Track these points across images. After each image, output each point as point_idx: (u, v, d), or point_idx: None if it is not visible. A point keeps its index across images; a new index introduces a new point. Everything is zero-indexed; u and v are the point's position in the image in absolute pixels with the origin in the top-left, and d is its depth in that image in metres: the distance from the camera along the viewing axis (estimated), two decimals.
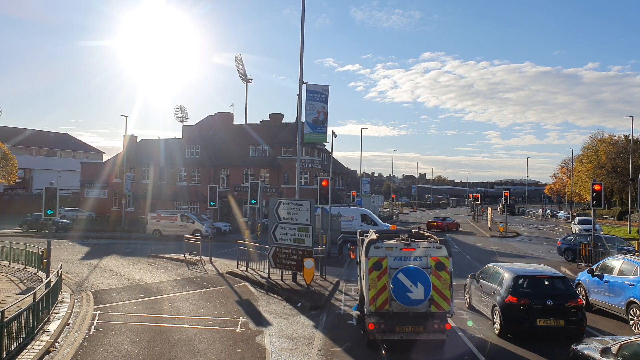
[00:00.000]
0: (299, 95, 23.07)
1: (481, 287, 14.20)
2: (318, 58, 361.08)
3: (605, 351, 8.06)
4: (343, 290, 18.33)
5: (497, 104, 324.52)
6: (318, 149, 50.31)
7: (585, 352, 8.57)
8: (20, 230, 40.19)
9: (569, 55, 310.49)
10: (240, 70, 65.81)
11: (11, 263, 23.22)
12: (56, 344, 11.52)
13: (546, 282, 12.75)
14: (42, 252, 19.18)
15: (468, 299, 15.55)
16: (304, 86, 22.90)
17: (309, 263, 17.38)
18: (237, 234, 36.58)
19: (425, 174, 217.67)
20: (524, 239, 44.17)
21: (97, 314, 14.47)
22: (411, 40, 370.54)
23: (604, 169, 68.98)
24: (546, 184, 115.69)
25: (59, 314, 14.15)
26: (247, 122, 60.19)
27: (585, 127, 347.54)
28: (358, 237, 13.95)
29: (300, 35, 22.56)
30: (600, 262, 16.14)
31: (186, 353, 10.98)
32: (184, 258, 25.88)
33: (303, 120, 23.23)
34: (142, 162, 53.34)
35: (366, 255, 10.81)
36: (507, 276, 12.87)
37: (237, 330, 12.85)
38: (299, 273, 18.36)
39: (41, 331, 12.25)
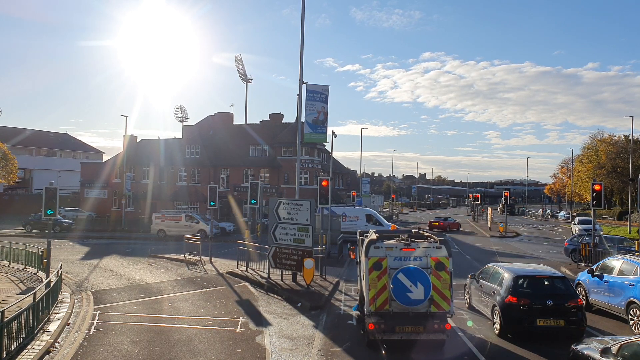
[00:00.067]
0: (299, 95, 23.08)
1: (481, 287, 14.20)
2: (318, 58, 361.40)
3: (605, 351, 8.05)
4: (343, 290, 18.33)
5: (497, 104, 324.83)
6: (318, 149, 50.32)
7: (585, 352, 8.57)
8: (24, 231, 40.16)
9: (569, 55, 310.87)
10: (240, 70, 65.81)
11: (11, 263, 23.22)
12: (56, 344, 11.52)
13: (546, 282, 12.75)
14: (42, 252, 19.18)
15: (468, 299, 15.55)
16: (304, 86, 22.91)
17: (308, 263, 17.38)
18: (237, 234, 36.62)
19: (425, 174, 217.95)
20: (523, 239, 44.18)
21: (97, 314, 14.47)
22: (411, 40, 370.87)
23: (604, 169, 68.98)
24: (546, 184, 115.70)
25: (59, 314, 14.15)
26: (247, 122, 60.20)
27: (585, 127, 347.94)
28: (358, 237, 13.95)
29: (300, 35, 22.58)
30: (600, 262, 16.14)
31: (186, 353, 10.98)
32: (184, 258, 25.88)
33: (303, 120, 23.22)
34: (142, 162, 53.35)
35: (366, 255, 10.82)
36: (507, 276, 12.87)
37: (237, 330, 12.86)
38: (299, 273, 18.36)
39: (41, 331, 12.25)
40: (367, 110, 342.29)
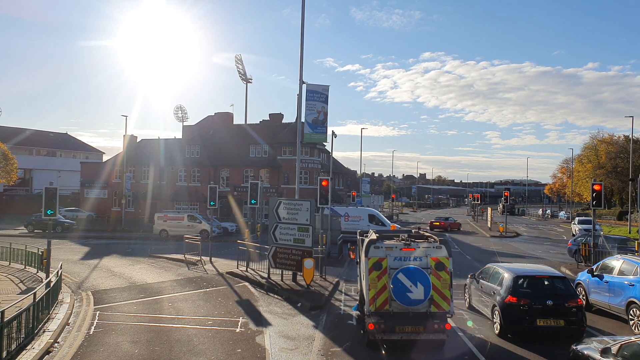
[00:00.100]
0: (299, 95, 23.08)
1: (481, 287, 14.19)
2: (318, 58, 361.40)
3: (605, 351, 8.05)
4: (343, 290, 18.33)
5: (497, 104, 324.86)
6: (318, 149, 50.32)
7: (585, 352, 8.57)
8: (26, 231, 40.03)
9: (569, 55, 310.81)
10: (240, 70, 65.83)
11: (11, 263, 23.22)
12: (56, 344, 11.52)
13: (546, 282, 12.75)
14: (42, 252, 19.19)
15: (468, 299, 15.55)
16: (304, 86, 22.91)
17: (308, 263, 17.38)
18: (238, 234, 36.62)
19: (425, 174, 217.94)
20: (523, 239, 44.19)
21: (97, 314, 14.47)
22: (411, 40, 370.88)
23: (604, 169, 68.99)
24: (546, 184, 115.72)
25: (59, 314, 14.15)
26: (247, 122, 60.21)
27: (585, 127, 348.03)
28: (358, 237, 13.94)
29: (300, 35, 22.58)
30: (600, 262, 16.14)
31: (186, 353, 10.98)
32: (184, 258, 25.89)
33: (303, 120, 23.22)
34: (142, 162, 53.35)
35: (366, 255, 10.81)
36: (507, 276, 12.87)
37: (237, 330, 12.86)
38: (299, 273, 18.35)
39: (41, 331, 12.25)
40: (367, 110, 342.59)
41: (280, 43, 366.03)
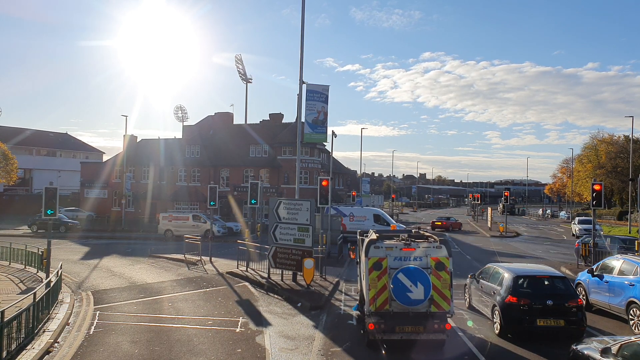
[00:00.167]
0: (299, 95, 23.07)
1: (481, 287, 14.19)
2: (318, 58, 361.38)
3: (605, 351, 8.05)
4: (343, 290, 18.32)
5: (497, 104, 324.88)
6: (318, 149, 50.31)
7: (585, 352, 8.57)
8: (30, 231, 39.82)
9: (569, 55, 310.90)
10: (240, 70, 65.81)
11: (11, 263, 23.21)
12: (56, 344, 11.52)
13: (546, 282, 12.75)
14: (42, 252, 19.18)
15: (468, 299, 15.54)
16: (304, 86, 22.90)
17: (309, 263, 17.37)
18: (237, 234, 36.61)
19: (425, 174, 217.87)
20: (524, 239, 44.19)
21: (97, 314, 14.47)
22: (411, 40, 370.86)
23: (604, 169, 68.99)
24: (546, 184, 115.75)
25: (59, 314, 14.15)
26: (247, 122, 60.17)
27: (585, 127, 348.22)
28: (358, 237, 13.94)
29: (300, 35, 22.56)
30: (600, 262, 16.14)
31: (186, 353, 10.98)
32: (184, 258, 25.88)
33: (303, 120, 23.22)
34: (142, 162, 53.35)
35: (366, 255, 10.81)
36: (507, 276, 12.86)
37: (237, 330, 12.85)
38: (299, 273, 18.35)
39: (41, 331, 12.24)
40: (367, 110, 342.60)
41: (280, 43, 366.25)
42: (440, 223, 51.35)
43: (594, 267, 16.04)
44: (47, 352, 10.94)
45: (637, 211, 47.30)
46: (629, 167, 54.53)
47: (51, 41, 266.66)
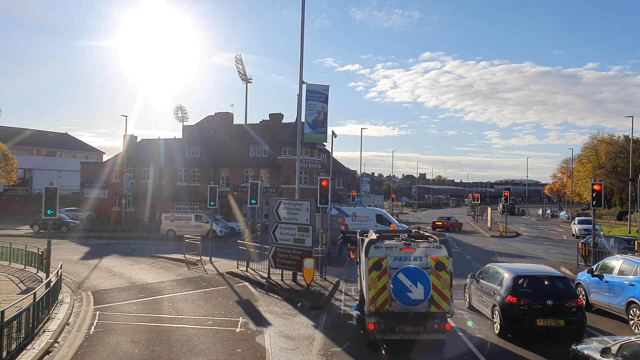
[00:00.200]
0: (299, 95, 23.08)
1: (481, 287, 14.19)
2: (318, 58, 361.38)
3: (605, 351, 8.05)
4: (343, 290, 18.33)
5: (497, 104, 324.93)
6: (318, 149, 50.32)
7: (585, 352, 8.57)
8: (32, 231, 39.73)
9: (569, 55, 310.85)
10: (240, 70, 65.81)
11: (11, 263, 23.21)
12: (56, 344, 11.52)
13: (546, 282, 12.75)
14: (42, 252, 19.18)
15: (468, 299, 15.54)
16: (304, 86, 22.91)
17: (309, 263, 17.38)
18: (239, 234, 36.61)
19: (425, 174, 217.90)
20: (523, 239, 44.19)
21: (97, 314, 14.47)
22: (411, 40, 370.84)
23: (604, 169, 68.99)
24: (546, 184, 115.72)
25: (59, 314, 14.15)
26: (247, 122, 60.19)
27: (585, 127, 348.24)
28: (358, 237, 13.94)
29: (300, 35, 22.57)
30: (600, 262, 16.14)
31: (186, 353, 10.98)
32: (184, 258, 25.88)
33: (303, 120, 23.22)
34: (142, 162, 53.36)
35: (366, 255, 10.81)
36: (507, 276, 12.86)
37: (237, 330, 12.86)
38: (299, 273, 18.35)
39: (41, 331, 12.25)
40: (367, 110, 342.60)
41: (280, 43, 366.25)
42: (441, 223, 51.56)
43: (594, 267, 16.04)
44: (47, 352, 10.94)
45: (637, 211, 47.29)
46: (629, 167, 54.53)
47: (51, 41, 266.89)
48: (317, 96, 23.10)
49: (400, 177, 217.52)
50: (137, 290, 18.28)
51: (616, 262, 14.78)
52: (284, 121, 54.11)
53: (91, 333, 12.52)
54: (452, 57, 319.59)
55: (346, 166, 72.88)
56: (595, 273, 15.23)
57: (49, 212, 16.79)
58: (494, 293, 13.05)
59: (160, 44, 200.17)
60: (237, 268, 21.84)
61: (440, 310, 10.47)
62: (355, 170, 78.14)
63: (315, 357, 10.76)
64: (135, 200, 51.22)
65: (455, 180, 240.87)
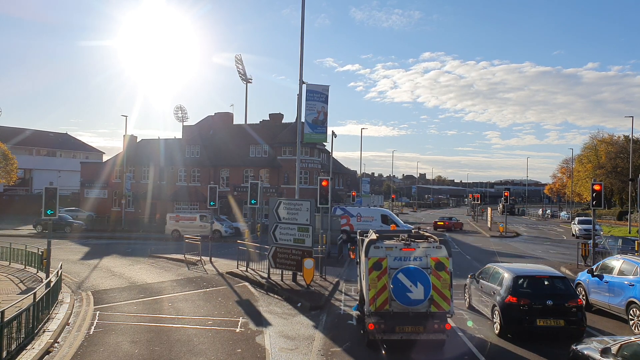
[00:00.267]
0: (299, 95, 23.08)
1: (481, 287, 14.19)
2: (318, 58, 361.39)
3: (605, 351, 8.05)
4: (343, 290, 18.32)
5: (497, 104, 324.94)
6: (318, 149, 50.30)
7: (585, 352, 8.57)
8: (35, 231, 39.39)
9: (568, 55, 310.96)
10: (240, 70, 65.79)
11: (11, 263, 23.21)
12: (56, 344, 11.52)
13: (546, 282, 12.75)
14: (41, 252, 19.18)
15: (468, 299, 15.55)
16: (304, 86, 22.92)
17: (308, 263, 17.38)
18: (237, 234, 36.60)
19: (425, 174, 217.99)
20: (523, 239, 44.19)
21: (97, 314, 14.47)
22: (411, 40, 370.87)
23: (604, 169, 69.00)
24: (546, 184, 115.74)
25: (59, 314, 14.15)
26: (247, 122, 60.17)
27: (585, 127, 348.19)
28: (358, 237, 13.93)
29: (300, 35, 22.58)
30: (600, 262, 16.14)
31: (186, 353, 10.98)
32: (184, 258, 25.88)
33: (303, 120, 23.23)
34: (142, 162, 53.33)
35: (366, 255, 10.81)
36: (507, 276, 12.86)
37: (237, 330, 12.86)
38: (299, 273, 18.35)
39: (41, 331, 12.25)
40: (367, 110, 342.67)
41: (280, 43, 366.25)
42: (442, 223, 51.76)
43: (594, 267, 16.04)
44: (47, 352, 10.94)
45: (637, 211, 47.29)
46: (629, 167, 54.54)
47: (51, 41, 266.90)
48: (317, 96, 23.11)
49: (400, 177, 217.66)
50: (137, 290, 18.28)
51: (616, 262, 14.78)
52: (284, 121, 54.10)
53: (91, 333, 12.52)
54: (452, 57, 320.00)
55: (346, 166, 72.89)
56: (595, 273, 15.24)
57: (48, 212, 16.78)
58: (494, 293, 13.05)
59: (160, 44, 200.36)
60: (237, 268, 21.84)
61: (440, 310, 10.47)
62: (355, 170, 78.20)
63: (315, 357, 10.76)
64: (135, 201, 51.21)
65: (455, 181, 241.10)
